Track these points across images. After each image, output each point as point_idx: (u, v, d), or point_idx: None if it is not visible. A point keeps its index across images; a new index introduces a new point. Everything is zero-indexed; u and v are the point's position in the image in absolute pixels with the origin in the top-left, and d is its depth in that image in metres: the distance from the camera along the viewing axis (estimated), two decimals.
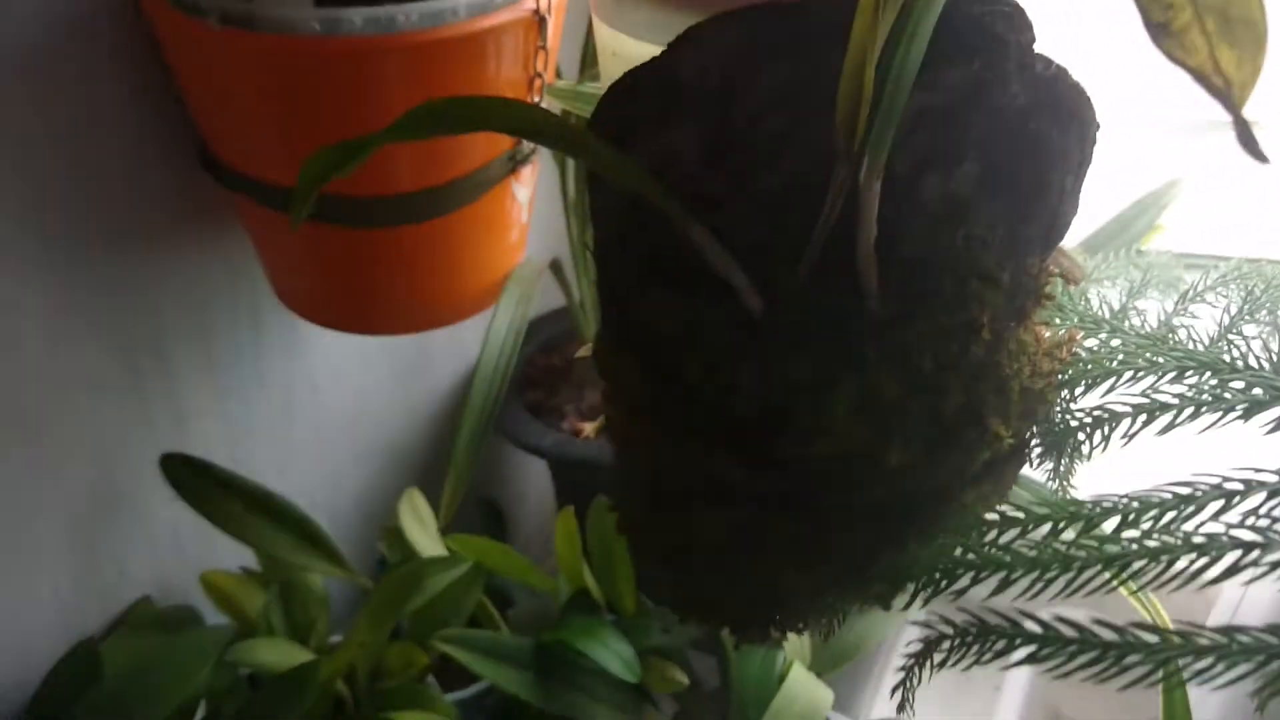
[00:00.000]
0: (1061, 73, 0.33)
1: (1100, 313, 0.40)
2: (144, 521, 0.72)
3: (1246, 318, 0.37)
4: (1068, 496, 0.39)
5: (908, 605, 0.34)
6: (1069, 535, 0.31)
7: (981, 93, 0.32)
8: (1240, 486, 0.28)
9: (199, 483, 0.66)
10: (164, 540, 0.74)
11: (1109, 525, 0.30)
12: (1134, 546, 0.28)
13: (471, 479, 0.57)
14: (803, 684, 0.66)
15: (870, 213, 0.32)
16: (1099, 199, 0.36)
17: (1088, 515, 0.30)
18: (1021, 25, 0.32)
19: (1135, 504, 0.30)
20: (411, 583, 0.65)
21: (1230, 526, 0.27)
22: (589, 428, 0.83)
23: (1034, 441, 0.39)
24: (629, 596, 0.72)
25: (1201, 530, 0.28)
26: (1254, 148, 0.19)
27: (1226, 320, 0.37)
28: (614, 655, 0.65)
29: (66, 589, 0.68)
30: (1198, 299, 0.40)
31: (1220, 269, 0.40)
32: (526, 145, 0.57)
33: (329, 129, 0.49)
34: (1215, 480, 0.29)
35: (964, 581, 0.31)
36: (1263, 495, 0.28)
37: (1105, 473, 0.37)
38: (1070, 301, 0.41)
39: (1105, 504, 0.30)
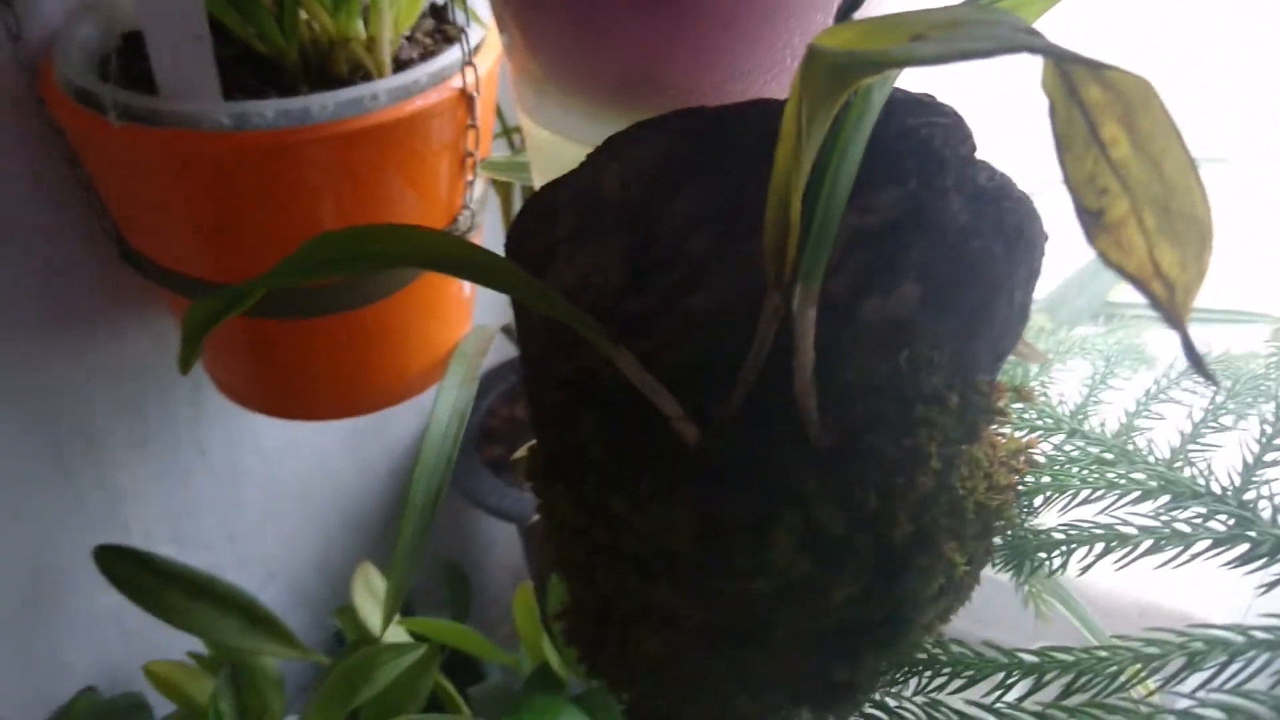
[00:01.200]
0: (1006, 184, 0.31)
1: (1060, 411, 0.38)
2: (83, 611, 0.69)
3: (1211, 424, 0.35)
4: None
5: None
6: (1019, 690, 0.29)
7: (920, 212, 0.30)
8: (1203, 647, 0.26)
9: (135, 574, 0.63)
10: (106, 628, 0.71)
11: (1061, 682, 0.28)
12: (1089, 719, 0.26)
13: (425, 557, 0.54)
14: None
15: (806, 339, 0.30)
16: (1060, 254, 0.34)
17: (1040, 670, 0.28)
18: (960, 136, 0.30)
19: (1091, 661, 0.27)
20: (363, 671, 0.62)
21: (1188, 699, 0.25)
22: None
23: (994, 551, 0.37)
24: None
25: (1159, 701, 0.26)
26: (1200, 366, 0.17)
27: (1189, 428, 0.35)
28: None
29: (3, 688, 0.64)
30: (1162, 396, 0.38)
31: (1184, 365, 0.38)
32: (464, 220, 0.54)
33: (250, 226, 0.46)
34: (1177, 639, 0.27)
35: None
36: (1225, 657, 0.26)
37: None
38: (1027, 403, 0.39)
39: (1061, 658, 0.28)
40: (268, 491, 0.81)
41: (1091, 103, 0.17)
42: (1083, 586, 0.54)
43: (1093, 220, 0.17)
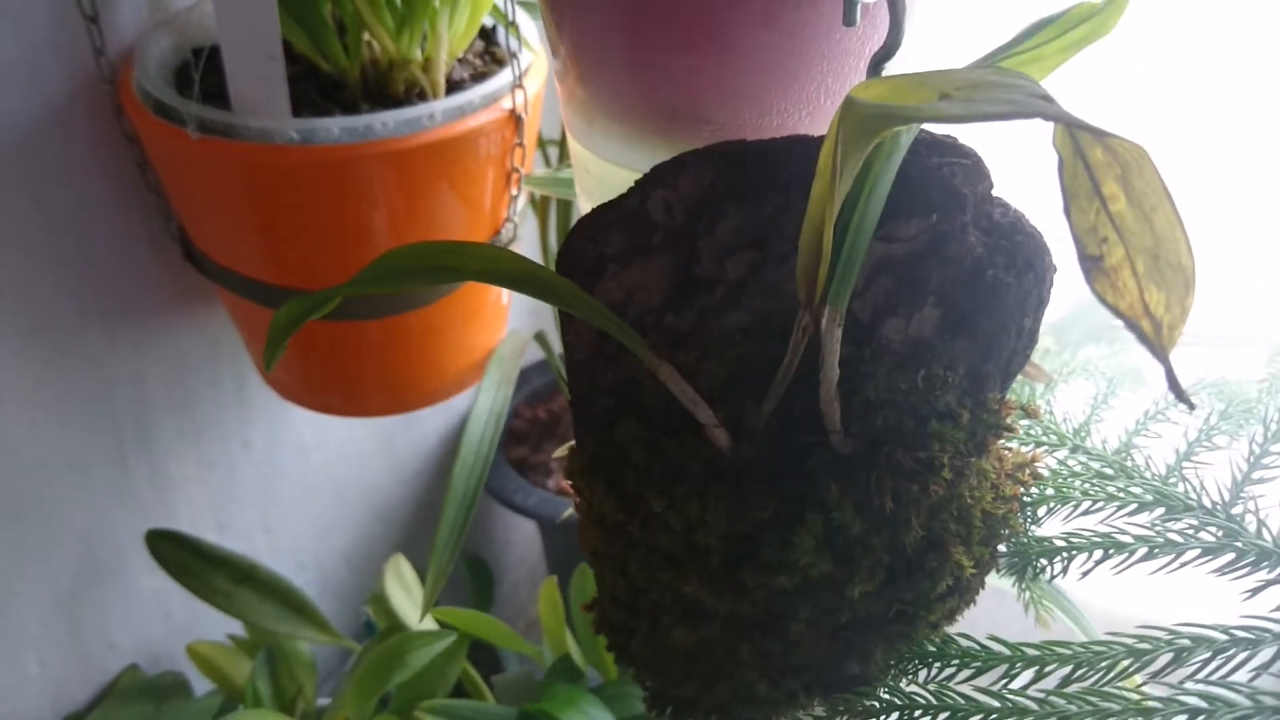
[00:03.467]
0: (1018, 219, 0.34)
1: (1064, 428, 0.41)
2: (130, 592, 0.72)
3: (1205, 443, 0.38)
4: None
5: None
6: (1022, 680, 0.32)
7: (939, 244, 0.33)
8: (1189, 644, 0.29)
9: (183, 558, 0.66)
10: (150, 609, 0.74)
11: (1061, 673, 0.31)
12: (1085, 705, 0.28)
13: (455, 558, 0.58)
14: None
15: (832, 357, 0.33)
16: (1068, 281, 0.37)
17: (1041, 662, 0.31)
18: (979, 176, 0.33)
19: (1088, 655, 0.30)
20: (396, 656, 0.65)
21: (1174, 689, 0.28)
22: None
23: (999, 557, 0.40)
24: (611, 663, 0.72)
25: (1148, 690, 0.28)
26: (1181, 395, 0.20)
27: (1184, 447, 0.37)
28: None
29: (53, 663, 0.68)
30: (1160, 417, 0.41)
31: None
32: (508, 231, 0.57)
33: (309, 233, 0.50)
34: (1166, 636, 0.30)
35: None
36: (1209, 654, 0.29)
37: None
38: (1033, 420, 0.41)
39: (1060, 651, 0.31)
40: (304, 485, 0.84)
41: (1095, 162, 0.20)
42: (1083, 609, 0.57)
43: (1092, 264, 0.20)
